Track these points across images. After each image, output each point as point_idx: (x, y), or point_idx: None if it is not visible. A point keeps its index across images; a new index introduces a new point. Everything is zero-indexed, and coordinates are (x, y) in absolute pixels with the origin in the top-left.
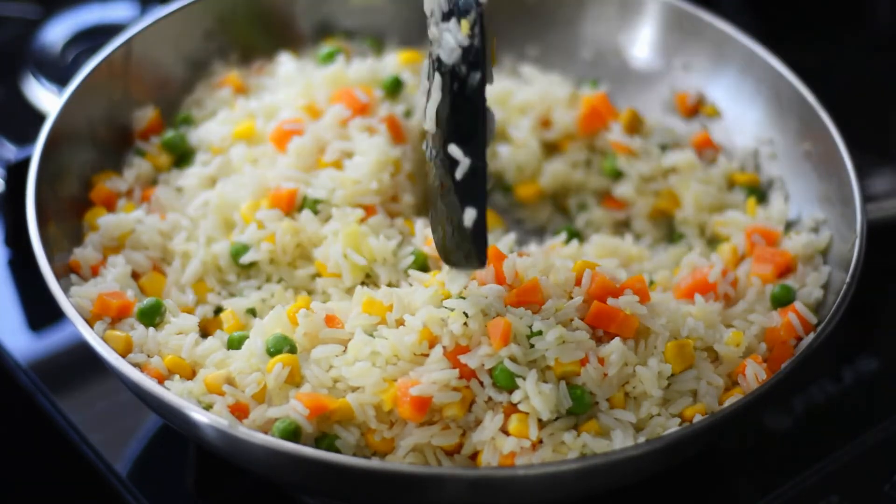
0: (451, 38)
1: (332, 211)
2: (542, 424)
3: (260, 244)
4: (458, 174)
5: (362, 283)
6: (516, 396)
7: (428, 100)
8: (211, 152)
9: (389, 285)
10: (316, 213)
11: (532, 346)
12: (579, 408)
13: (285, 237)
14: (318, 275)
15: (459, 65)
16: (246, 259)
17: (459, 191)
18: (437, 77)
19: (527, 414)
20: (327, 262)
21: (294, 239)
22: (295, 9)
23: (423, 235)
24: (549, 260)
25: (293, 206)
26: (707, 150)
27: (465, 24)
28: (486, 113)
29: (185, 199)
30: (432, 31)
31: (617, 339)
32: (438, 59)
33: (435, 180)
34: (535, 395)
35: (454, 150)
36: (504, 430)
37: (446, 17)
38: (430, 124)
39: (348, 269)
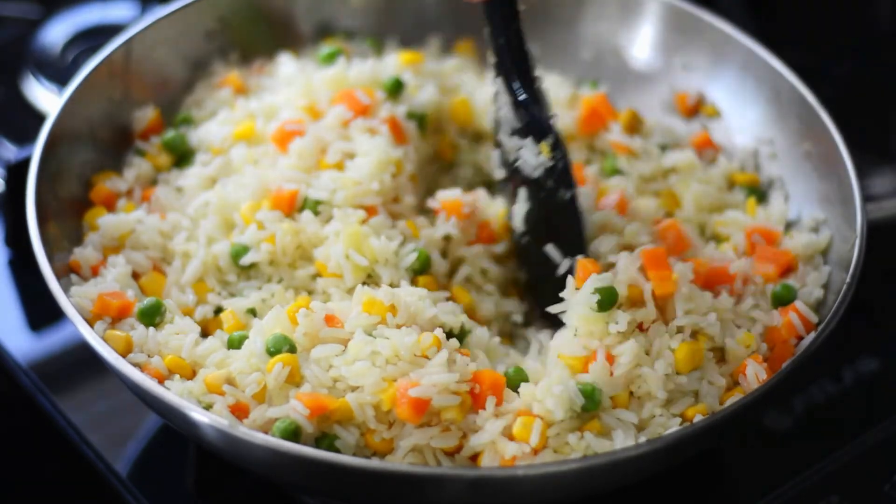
0: (530, 155)
1: (334, 212)
2: (547, 425)
3: (260, 245)
4: (560, 271)
5: (363, 284)
6: (525, 399)
7: (513, 200)
8: (211, 153)
9: (391, 285)
10: (317, 213)
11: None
12: (591, 405)
13: (285, 238)
14: (318, 275)
15: (545, 179)
16: (246, 260)
17: (559, 287)
18: (523, 190)
19: (532, 417)
20: (328, 263)
21: (294, 240)
22: (295, 9)
23: (426, 234)
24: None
25: (294, 207)
26: (707, 150)
27: (544, 147)
28: (581, 217)
29: (186, 200)
30: (503, 138)
31: (631, 340)
32: (518, 168)
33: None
34: (548, 396)
35: (552, 250)
36: (506, 434)
37: (518, 132)
38: (518, 224)
39: (350, 269)
